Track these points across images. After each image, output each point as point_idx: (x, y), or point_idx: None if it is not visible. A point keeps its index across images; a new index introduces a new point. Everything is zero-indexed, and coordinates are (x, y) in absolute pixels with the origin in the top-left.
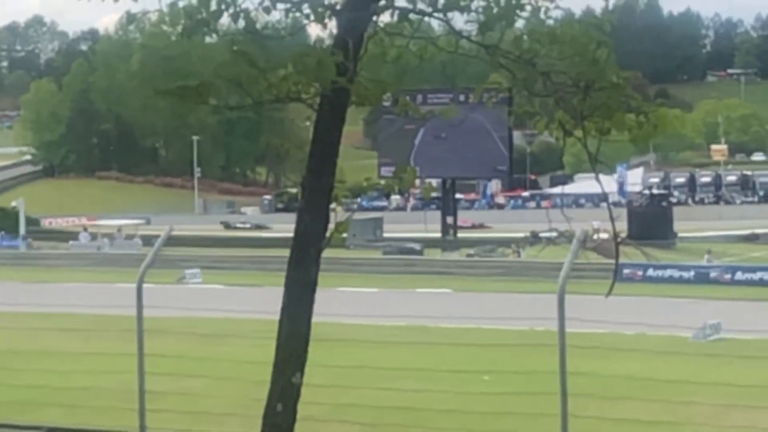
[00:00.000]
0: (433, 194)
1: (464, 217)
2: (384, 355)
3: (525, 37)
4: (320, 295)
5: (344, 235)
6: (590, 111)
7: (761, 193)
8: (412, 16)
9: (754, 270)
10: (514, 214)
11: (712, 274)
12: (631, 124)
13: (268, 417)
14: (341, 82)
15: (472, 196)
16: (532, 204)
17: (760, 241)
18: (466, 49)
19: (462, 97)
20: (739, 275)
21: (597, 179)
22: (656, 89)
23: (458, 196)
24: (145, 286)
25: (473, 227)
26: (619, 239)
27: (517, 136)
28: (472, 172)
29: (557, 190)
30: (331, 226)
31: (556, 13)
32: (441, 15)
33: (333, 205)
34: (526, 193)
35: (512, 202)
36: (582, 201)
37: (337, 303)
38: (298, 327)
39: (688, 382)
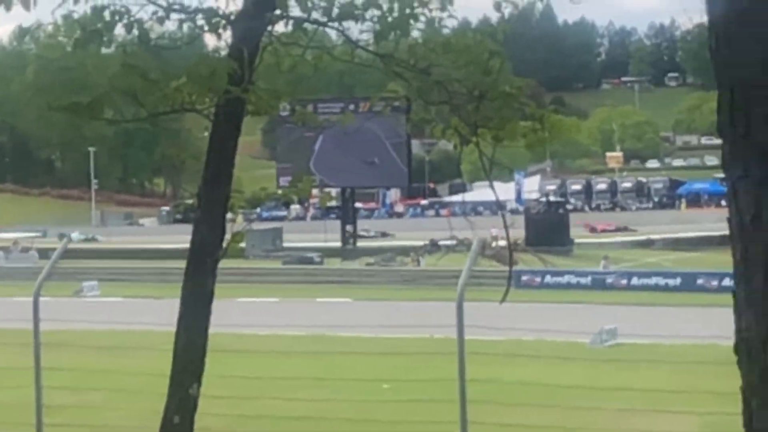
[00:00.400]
0: (332, 203)
1: (583, 218)
2: (284, 365)
3: (419, 46)
4: (220, 305)
5: (242, 244)
6: (484, 120)
7: (656, 199)
8: (307, 25)
9: (649, 275)
10: (414, 223)
11: (609, 280)
12: (526, 131)
13: (165, 429)
14: (235, 92)
15: (372, 204)
16: (431, 212)
17: (655, 247)
18: (363, 58)
19: (353, 106)
20: (635, 280)
21: (491, 186)
22: (552, 97)
23: (358, 204)
24: (41, 299)
25: (617, 230)
26: (516, 246)
27: (416, 145)
28: (372, 181)
29: (456, 198)
30: (228, 236)
31: (453, 23)
32: (336, 24)
33: (231, 216)
34: (425, 202)
35: (411, 210)
36: (480, 209)
37: (237, 313)
38: (194, 338)
39: (586, 388)
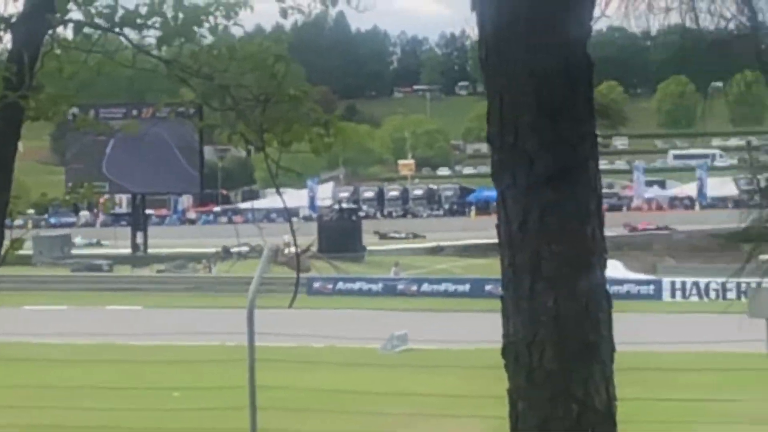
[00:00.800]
0: (119, 209)
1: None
2: (73, 373)
3: (203, 52)
4: (6, 313)
5: (29, 251)
6: (270, 124)
7: (446, 206)
8: (90, 30)
9: (439, 282)
10: (206, 230)
11: (400, 286)
12: (312, 136)
13: None
14: (11, 97)
15: (164, 211)
16: (224, 219)
17: (445, 253)
18: (153, 63)
19: (135, 112)
20: (425, 287)
21: (278, 193)
22: (345, 104)
23: (149, 211)
24: None
25: (658, 229)
26: (309, 253)
27: (209, 151)
28: (163, 187)
29: (249, 204)
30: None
31: (239, 31)
32: (118, 30)
33: (20, 221)
34: (217, 208)
35: (204, 217)
36: (273, 215)
37: (24, 322)
38: None
39: (376, 393)
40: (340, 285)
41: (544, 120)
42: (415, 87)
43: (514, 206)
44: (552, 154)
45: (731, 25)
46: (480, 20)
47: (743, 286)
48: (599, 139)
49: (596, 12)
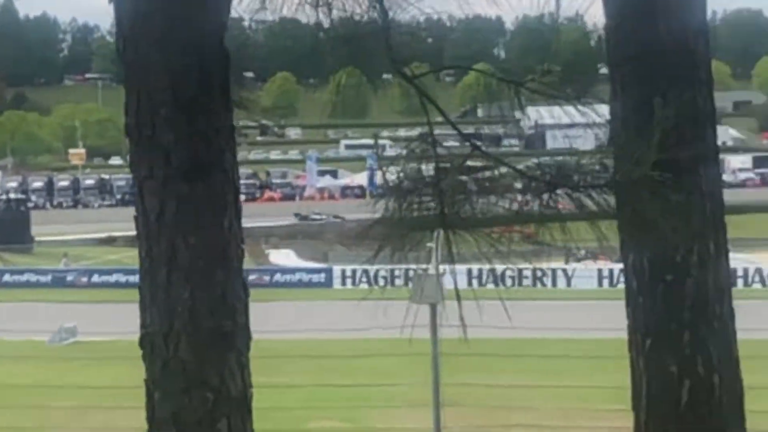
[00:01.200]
0: None
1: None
2: None
3: None
4: None
5: None
6: None
7: (119, 196)
8: None
9: (110, 272)
10: None
11: (69, 278)
12: None
13: None
14: None
15: None
16: None
17: (117, 244)
18: None
19: None
20: (95, 278)
21: None
22: (14, 92)
23: None
24: None
25: None
26: None
27: None
28: None
29: None
30: None
31: None
32: None
33: None
34: None
35: None
36: None
37: None
38: None
39: (44, 386)
40: (7, 277)
41: (179, 114)
42: (87, 75)
43: (150, 198)
44: (187, 148)
45: (363, 21)
46: (117, 14)
47: (410, 273)
48: (275, 129)
49: (257, 4)
